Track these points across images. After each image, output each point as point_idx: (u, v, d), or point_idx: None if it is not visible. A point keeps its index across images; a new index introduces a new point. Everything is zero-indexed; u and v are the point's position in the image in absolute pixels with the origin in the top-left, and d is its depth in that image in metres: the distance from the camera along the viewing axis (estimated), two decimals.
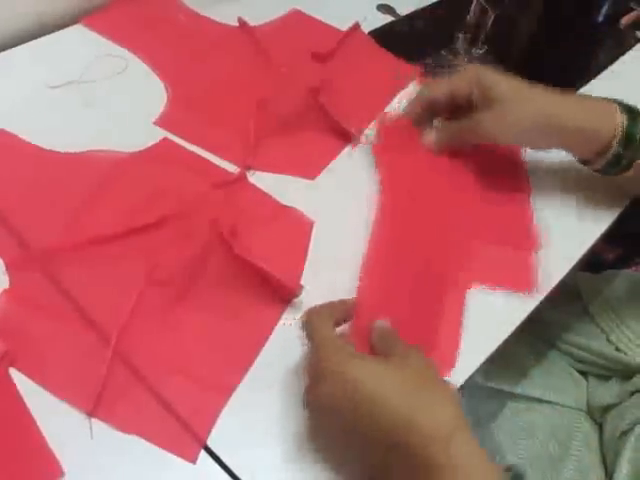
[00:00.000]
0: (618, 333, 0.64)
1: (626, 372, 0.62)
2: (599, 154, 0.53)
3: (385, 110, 0.64)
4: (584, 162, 0.56)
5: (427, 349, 0.46)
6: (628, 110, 0.52)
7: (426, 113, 0.58)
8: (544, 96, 0.53)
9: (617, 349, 0.64)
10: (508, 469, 0.60)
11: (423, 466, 0.35)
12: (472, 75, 0.54)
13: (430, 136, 0.58)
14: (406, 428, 0.35)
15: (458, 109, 0.56)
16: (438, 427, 0.35)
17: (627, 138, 0.51)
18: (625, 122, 0.51)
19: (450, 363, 0.46)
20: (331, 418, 0.39)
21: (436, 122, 0.59)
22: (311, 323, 0.41)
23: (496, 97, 0.53)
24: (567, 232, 0.55)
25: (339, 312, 0.44)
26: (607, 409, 0.63)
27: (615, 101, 0.53)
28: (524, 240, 0.55)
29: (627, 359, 0.62)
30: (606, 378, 0.65)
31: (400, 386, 0.37)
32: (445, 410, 0.36)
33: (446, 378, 0.45)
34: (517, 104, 0.52)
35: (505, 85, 0.53)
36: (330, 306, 0.44)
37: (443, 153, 0.58)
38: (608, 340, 0.65)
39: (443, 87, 0.56)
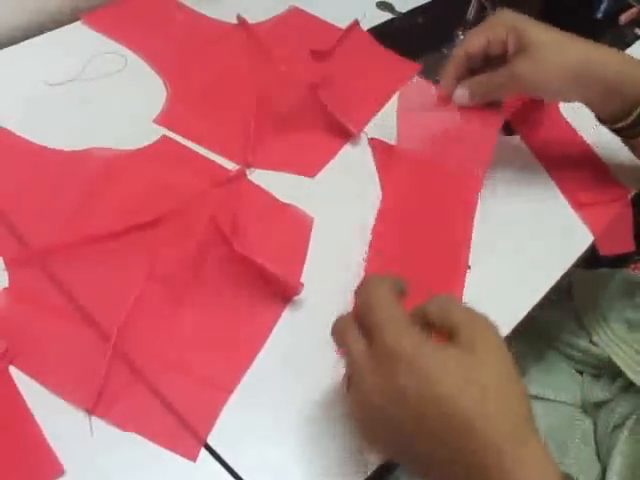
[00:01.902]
0: (601, 334, 0.65)
1: (613, 371, 0.63)
2: (626, 111, 0.52)
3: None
4: (607, 121, 0.55)
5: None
6: None
7: (464, 71, 0.55)
8: (584, 43, 0.51)
9: (599, 347, 0.64)
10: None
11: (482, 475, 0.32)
12: (506, 19, 0.52)
13: (462, 91, 0.55)
14: (471, 433, 0.32)
15: (490, 64, 0.54)
16: (507, 436, 0.32)
17: None
18: None
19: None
20: (381, 412, 0.34)
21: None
22: (373, 296, 0.36)
23: (533, 41, 0.50)
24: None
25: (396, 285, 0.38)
26: (600, 405, 0.63)
27: None
28: None
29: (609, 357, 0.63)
30: (598, 376, 0.66)
31: (473, 387, 0.32)
32: (516, 416, 0.33)
33: None
34: (556, 49, 0.50)
35: (542, 29, 0.51)
36: (390, 279, 0.38)
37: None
38: (591, 341, 0.65)
39: (480, 36, 0.53)
